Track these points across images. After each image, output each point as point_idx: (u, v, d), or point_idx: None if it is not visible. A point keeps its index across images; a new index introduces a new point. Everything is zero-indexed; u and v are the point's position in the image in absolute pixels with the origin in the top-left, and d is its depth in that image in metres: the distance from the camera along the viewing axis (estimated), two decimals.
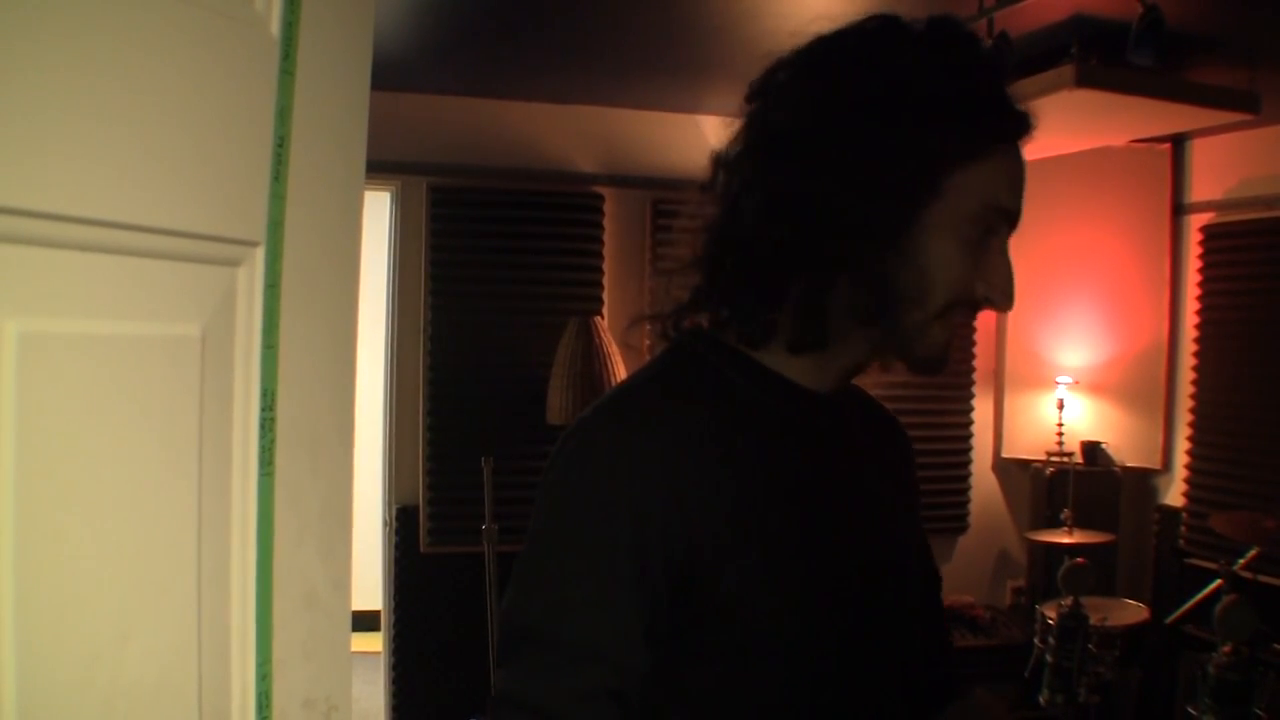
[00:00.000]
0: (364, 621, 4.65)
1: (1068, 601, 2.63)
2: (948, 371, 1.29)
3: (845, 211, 1.10)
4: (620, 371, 4.19)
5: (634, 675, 1.07)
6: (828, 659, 1.17)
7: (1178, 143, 4.76)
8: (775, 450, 1.18)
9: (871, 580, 1.22)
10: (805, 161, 1.11)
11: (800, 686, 1.15)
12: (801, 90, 1.15)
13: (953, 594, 4.86)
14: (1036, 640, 3.04)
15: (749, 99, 1.21)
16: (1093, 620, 3.34)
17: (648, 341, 4.67)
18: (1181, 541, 4.63)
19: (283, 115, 1.06)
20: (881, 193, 1.10)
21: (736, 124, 1.21)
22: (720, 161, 1.21)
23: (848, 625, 1.19)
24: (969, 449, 5.12)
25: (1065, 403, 4.73)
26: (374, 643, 4.80)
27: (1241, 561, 3.51)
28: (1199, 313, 4.62)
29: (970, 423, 5.12)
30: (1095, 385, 4.80)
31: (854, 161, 1.10)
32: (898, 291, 1.13)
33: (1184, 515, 4.64)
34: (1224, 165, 4.60)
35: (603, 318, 4.51)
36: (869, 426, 1.35)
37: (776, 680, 1.13)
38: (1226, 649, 2.54)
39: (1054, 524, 4.41)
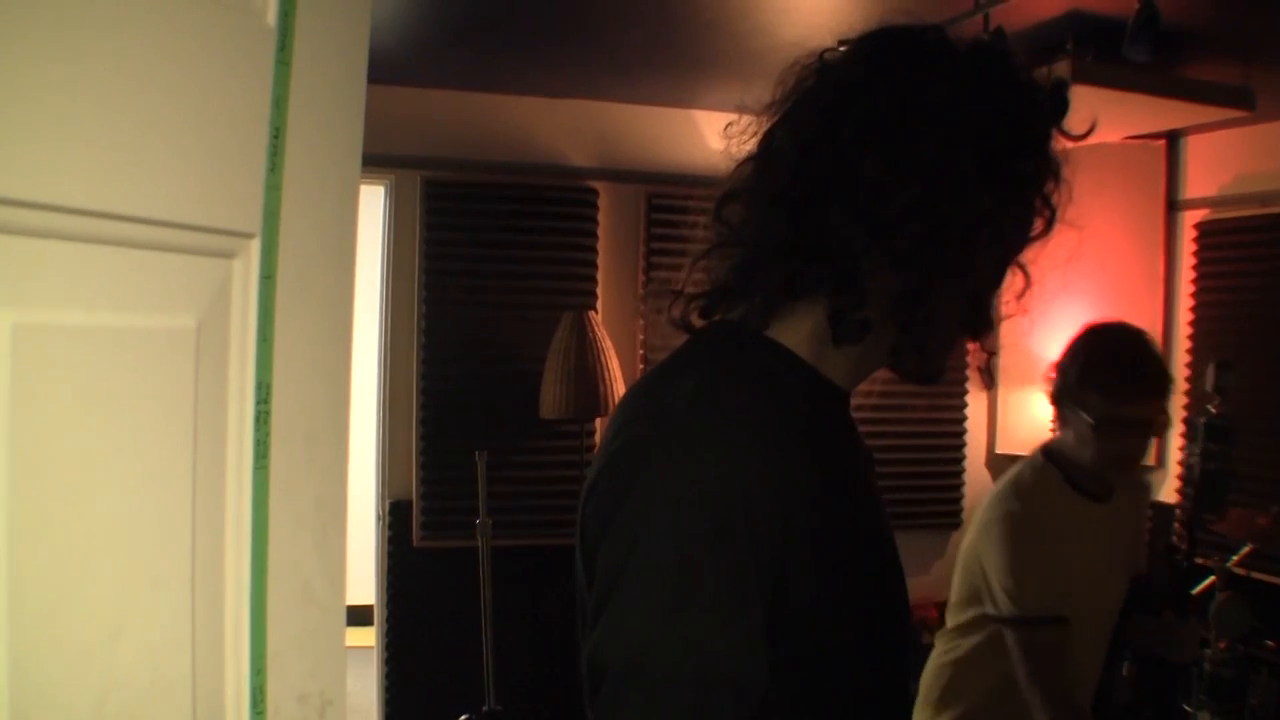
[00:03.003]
0: (357, 616, 4.63)
1: (1215, 405, 2.43)
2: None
3: (987, 231, 1.12)
4: (614, 366, 4.18)
5: (760, 691, 1.00)
6: (883, 667, 1.17)
7: (1172, 139, 4.76)
8: (828, 449, 1.17)
9: (901, 585, 1.23)
10: (934, 173, 1.09)
11: (861, 695, 1.14)
12: (906, 98, 1.11)
13: (945, 590, 4.85)
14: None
15: (797, 89, 1.18)
16: None
17: (641, 336, 4.65)
18: (1175, 538, 4.63)
19: (279, 106, 1.06)
20: (1025, 215, 1.16)
21: (765, 115, 1.19)
22: (777, 156, 1.17)
23: (896, 633, 1.20)
24: (962, 445, 5.12)
25: None
26: (367, 637, 4.79)
27: (1235, 558, 3.51)
28: (1193, 309, 4.62)
29: (964, 419, 5.12)
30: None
31: (1008, 183, 1.12)
32: (987, 307, 1.19)
33: (1177, 512, 4.64)
34: (1219, 162, 4.60)
35: (597, 312, 4.50)
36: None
37: (839, 689, 1.11)
38: (1222, 645, 2.53)
39: None
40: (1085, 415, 2.37)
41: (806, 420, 1.14)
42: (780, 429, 1.09)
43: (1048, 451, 2.53)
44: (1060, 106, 1.17)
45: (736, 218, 1.20)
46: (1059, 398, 2.48)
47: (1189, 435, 2.26)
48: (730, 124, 1.21)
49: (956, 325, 1.18)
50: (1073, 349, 2.46)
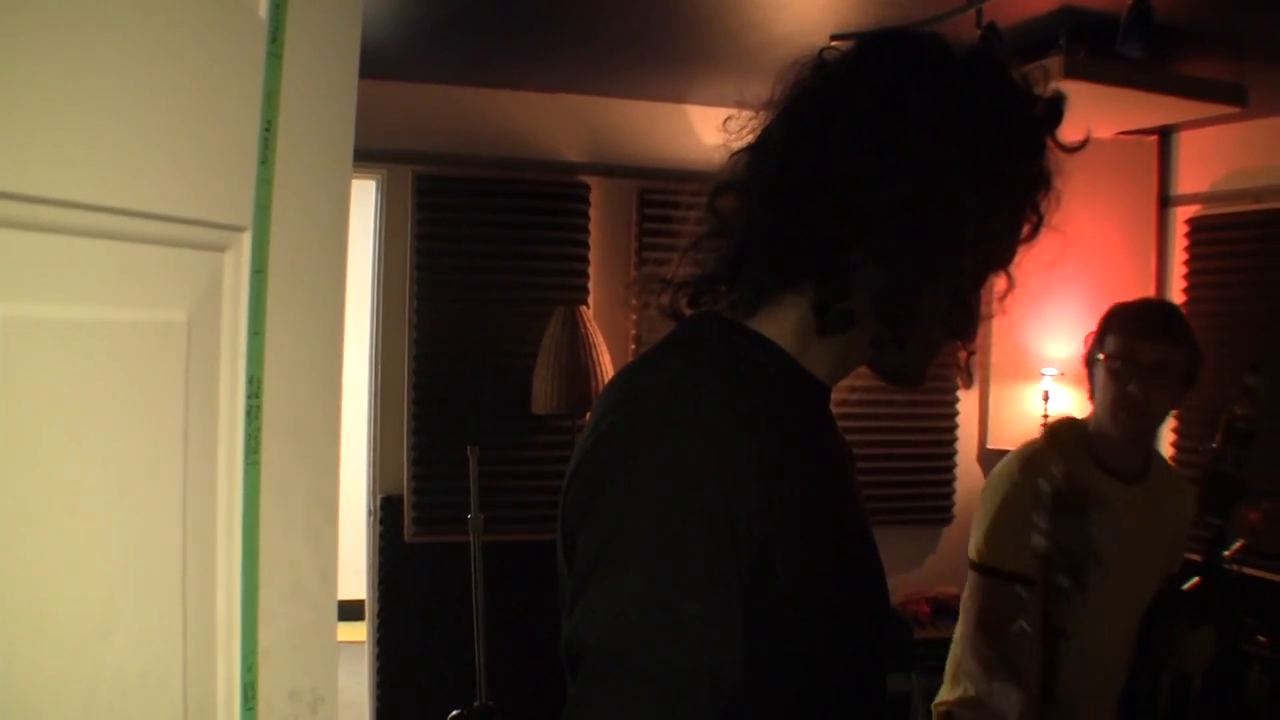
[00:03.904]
0: (348, 612, 4.64)
1: (1241, 407, 2.40)
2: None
3: (988, 227, 1.14)
4: (605, 361, 4.18)
5: (736, 678, 1.01)
6: (860, 661, 1.18)
7: (1165, 135, 4.77)
8: (807, 441, 1.17)
9: (880, 580, 1.23)
10: (921, 169, 1.10)
11: (836, 687, 1.14)
12: (898, 95, 1.12)
13: (938, 585, 4.88)
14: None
15: (795, 86, 1.19)
16: None
17: (634, 332, 4.66)
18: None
19: (270, 99, 1.05)
20: (1012, 218, 1.17)
21: (763, 111, 1.20)
22: (769, 148, 1.18)
23: (873, 628, 1.20)
24: (954, 440, 5.13)
25: (1050, 394, 4.74)
26: (358, 633, 4.79)
27: (1227, 553, 3.51)
28: (1185, 305, 4.62)
29: (955, 414, 5.13)
30: (1081, 377, 4.79)
31: (995, 185, 1.13)
32: (970, 308, 1.20)
33: None
34: (1211, 158, 4.61)
35: (588, 307, 4.50)
36: None
37: (814, 681, 1.12)
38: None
39: None
40: (1104, 356, 2.45)
41: (786, 412, 1.15)
42: (760, 420, 1.09)
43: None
44: (1055, 116, 1.18)
45: (728, 208, 1.21)
46: (1089, 360, 2.55)
47: (1220, 433, 2.25)
48: (730, 118, 1.22)
49: (939, 324, 1.19)
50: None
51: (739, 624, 1.01)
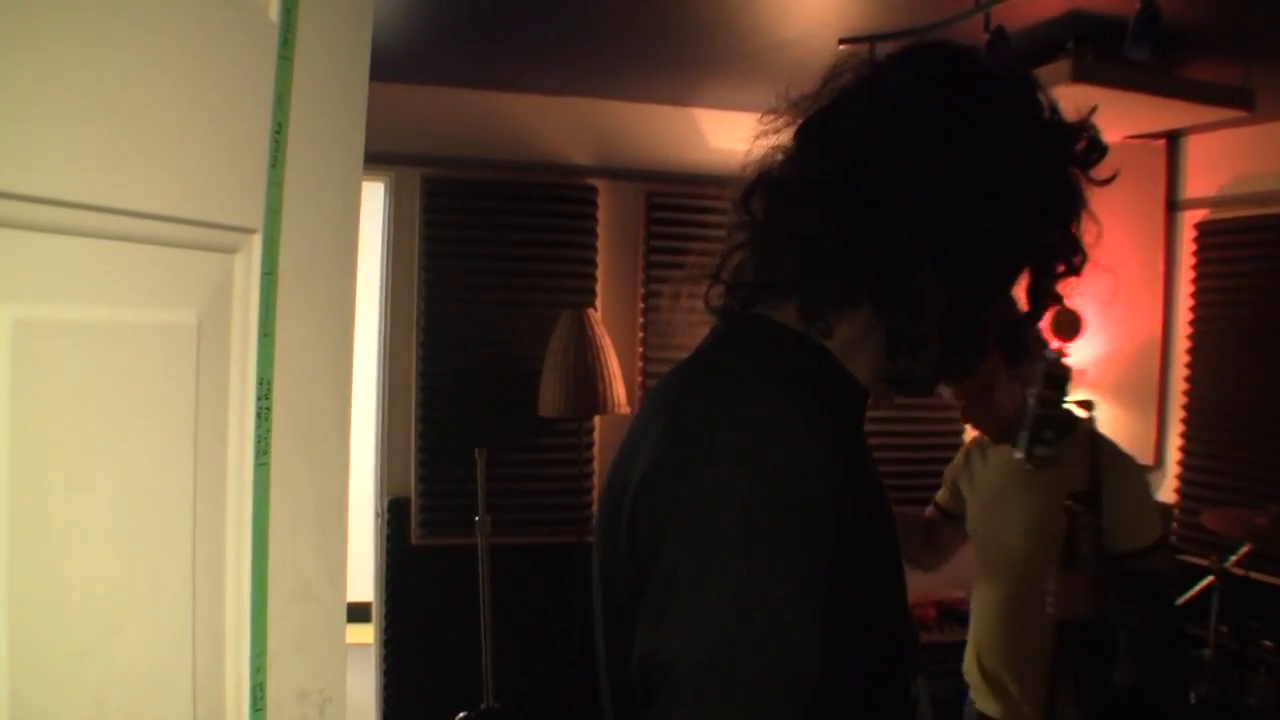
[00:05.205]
0: (355, 613, 4.63)
1: (1056, 349, 2.57)
2: None
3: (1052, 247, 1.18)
4: (613, 364, 4.18)
5: (818, 686, 0.99)
6: (891, 665, 1.18)
7: (1172, 139, 4.76)
8: (860, 450, 1.19)
9: (904, 583, 1.24)
10: (1006, 206, 1.12)
11: (888, 686, 1.16)
12: (975, 127, 1.13)
13: (944, 589, 4.86)
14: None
15: (847, 91, 1.19)
16: None
17: (640, 335, 4.63)
18: (1173, 538, 4.64)
19: (281, 101, 1.05)
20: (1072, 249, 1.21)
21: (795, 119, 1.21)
22: (833, 156, 1.16)
23: (902, 630, 1.21)
24: (960, 445, 5.11)
25: None
26: (365, 635, 4.79)
27: (1233, 558, 3.52)
28: (1193, 309, 4.62)
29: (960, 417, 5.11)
30: (1088, 381, 4.80)
31: (1065, 219, 1.19)
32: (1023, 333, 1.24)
33: (1176, 512, 4.65)
34: (1219, 162, 4.60)
35: (596, 310, 4.50)
36: None
37: (863, 684, 1.12)
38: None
39: None
40: None
41: (847, 422, 1.17)
42: (832, 430, 1.09)
43: None
44: (1101, 149, 1.22)
45: (776, 210, 1.20)
46: None
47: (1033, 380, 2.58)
48: (766, 114, 1.21)
49: (984, 346, 1.21)
50: None
51: (821, 631, 0.99)
